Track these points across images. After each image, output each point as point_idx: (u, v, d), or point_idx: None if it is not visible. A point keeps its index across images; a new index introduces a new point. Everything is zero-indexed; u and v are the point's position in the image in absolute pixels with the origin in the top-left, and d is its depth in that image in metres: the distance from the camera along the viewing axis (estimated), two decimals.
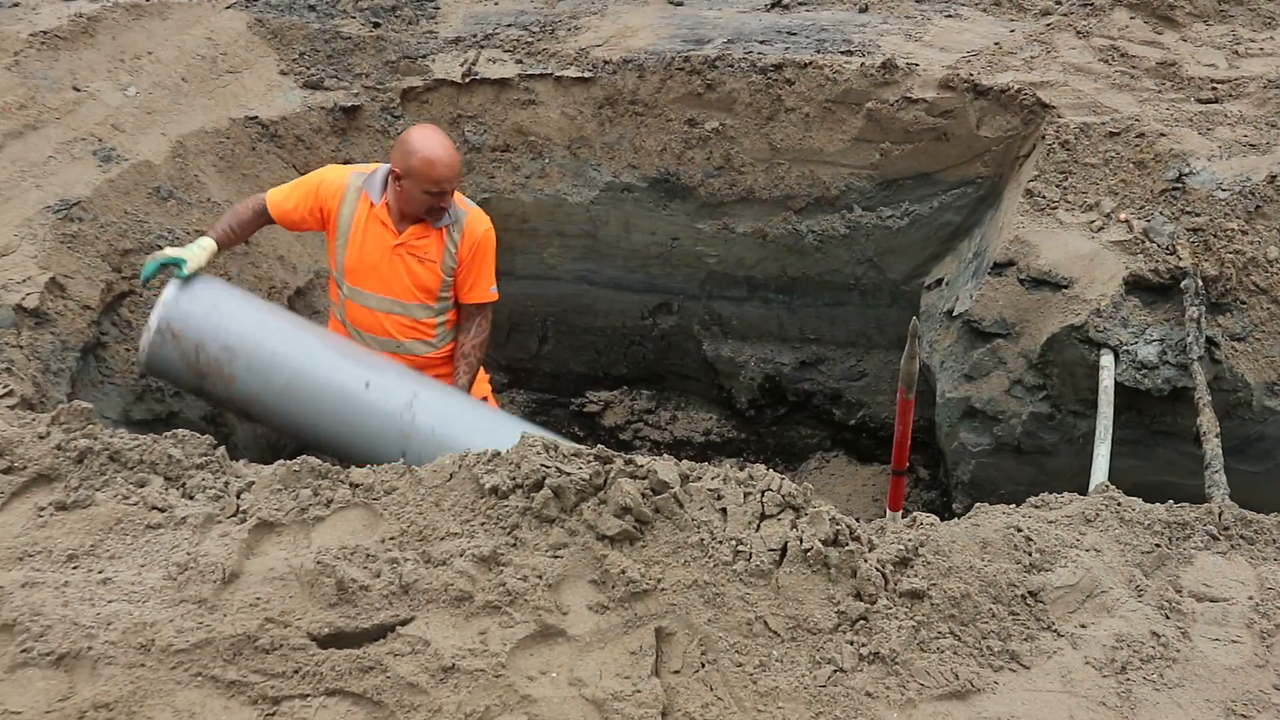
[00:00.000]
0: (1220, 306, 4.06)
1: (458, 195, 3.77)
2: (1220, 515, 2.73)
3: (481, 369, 4.03)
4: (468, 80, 5.29)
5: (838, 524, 2.42)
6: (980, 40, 5.39)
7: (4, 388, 3.22)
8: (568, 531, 2.41)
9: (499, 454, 2.57)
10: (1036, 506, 2.81)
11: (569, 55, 5.37)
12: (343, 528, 2.50)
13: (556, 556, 2.37)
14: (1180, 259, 4.07)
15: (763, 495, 2.47)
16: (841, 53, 5.17)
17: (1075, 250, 4.24)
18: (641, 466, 2.48)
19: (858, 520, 2.58)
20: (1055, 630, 2.38)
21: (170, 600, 2.32)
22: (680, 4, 6.01)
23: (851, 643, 2.28)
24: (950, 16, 5.76)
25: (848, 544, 2.39)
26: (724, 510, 2.44)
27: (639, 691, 2.17)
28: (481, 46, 5.51)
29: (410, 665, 2.21)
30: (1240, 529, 2.70)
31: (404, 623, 2.28)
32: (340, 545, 2.42)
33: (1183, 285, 4.01)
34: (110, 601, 2.32)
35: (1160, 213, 4.26)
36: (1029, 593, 2.43)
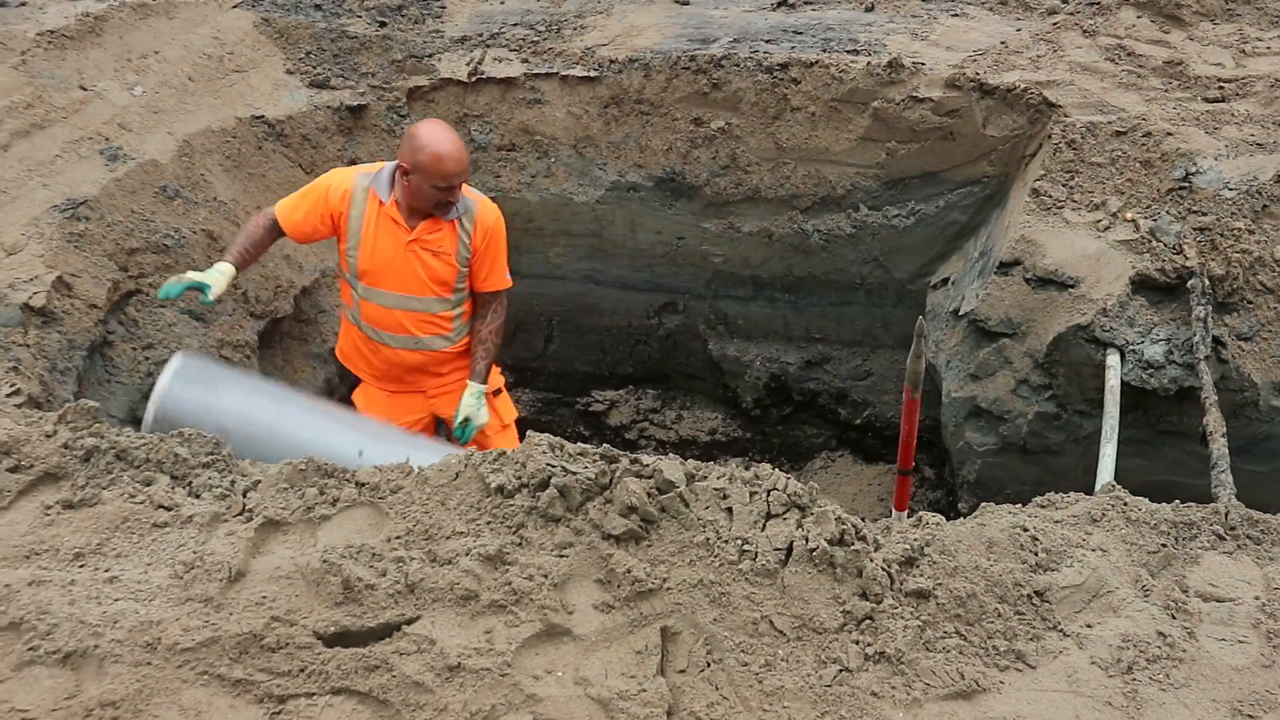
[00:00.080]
0: (1227, 306, 4.05)
1: (464, 185, 3.78)
2: (1227, 515, 2.72)
3: (495, 366, 4.04)
4: (474, 79, 5.29)
5: (843, 523, 2.42)
6: (986, 39, 5.38)
7: (11, 386, 3.23)
8: (573, 531, 2.40)
9: (505, 453, 2.57)
10: (1042, 506, 2.80)
11: (575, 54, 5.37)
12: (349, 527, 2.50)
13: (562, 556, 2.37)
14: (1187, 258, 4.06)
15: (768, 495, 2.46)
16: (847, 52, 5.16)
17: (1081, 249, 4.23)
18: (647, 466, 2.47)
19: (863, 520, 2.58)
20: (1061, 630, 2.37)
21: (176, 599, 2.33)
22: (686, 3, 6.00)
23: (857, 642, 2.27)
24: (956, 15, 5.75)
25: (853, 543, 2.38)
26: (729, 510, 2.43)
27: (644, 691, 2.17)
28: (487, 46, 5.51)
29: (416, 664, 2.21)
30: (1247, 529, 2.70)
31: (410, 622, 2.29)
32: (346, 544, 2.42)
33: (1189, 285, 4.00)
34: (116, 600, 2.33)
35: (1167, 212, 4.25)
36: (1035, 592, 2.43)
